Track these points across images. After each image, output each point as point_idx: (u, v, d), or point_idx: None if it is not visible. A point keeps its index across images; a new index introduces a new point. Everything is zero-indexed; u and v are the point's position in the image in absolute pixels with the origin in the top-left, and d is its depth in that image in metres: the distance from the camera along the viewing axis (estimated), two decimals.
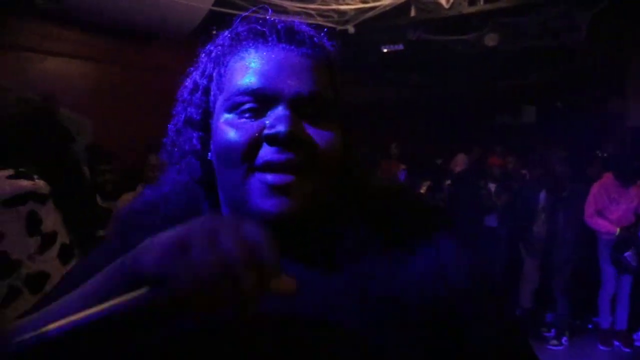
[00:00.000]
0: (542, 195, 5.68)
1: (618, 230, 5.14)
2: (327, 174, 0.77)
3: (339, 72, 0.83)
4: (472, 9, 6.22)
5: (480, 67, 7.83)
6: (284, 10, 5.54)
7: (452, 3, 6.24)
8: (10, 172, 1.82)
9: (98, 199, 3.29)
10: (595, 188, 5.43)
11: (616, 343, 5.33)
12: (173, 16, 6.46)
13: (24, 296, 1.77)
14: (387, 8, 6.28)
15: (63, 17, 6.37)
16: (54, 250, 1.85)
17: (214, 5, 6.15)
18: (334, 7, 5.75)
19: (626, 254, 4.98)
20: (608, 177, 5.44)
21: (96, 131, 6.63)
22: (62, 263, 1.86)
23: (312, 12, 5.71)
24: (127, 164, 5.78)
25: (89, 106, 6.76)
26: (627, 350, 5.26)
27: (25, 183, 1.78)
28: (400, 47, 6.68)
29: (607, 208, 5.30)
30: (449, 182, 6.68)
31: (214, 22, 6.68)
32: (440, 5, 6.35)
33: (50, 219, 1.84)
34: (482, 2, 6.25)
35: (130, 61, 7.17)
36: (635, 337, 5.38)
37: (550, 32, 6.40)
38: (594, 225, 5.33)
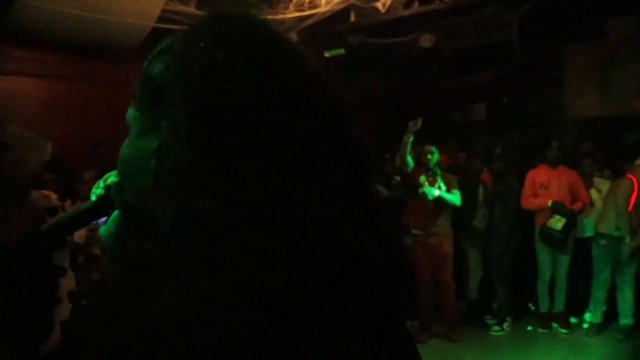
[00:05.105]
0: (481, 190, 5.91)
1: (550, 202, 5.41)
2: None
3: None
4: (407, 12, 6.45)
5: (424, 67, 8.09)
6: None
7: (388, 7, 6.46)
8: None
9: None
10: (528, 176, 5.70)
11: (554, 325, 5.57)
12: (119, 32, 6.59)
13: None
14: (326, 15, 6.48)
15: (7, 35, 6.45)
16: None
17: (157, 22, 6.31)
18: (271, 17, 5.93)
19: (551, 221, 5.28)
20: (540, 166, 5.72)
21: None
22: None
23: None
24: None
25: (40, 122, 6.84)
26: (564, 330, 5.51)
27: None
28: (342, 51, 6.89)
29: (538, 194, 5.56)
30: (398, 177, 6.83)
31: (158, 37, 6.87)
32: (377, 9, 6.57)
33: None
34: (416, 5, 6.47)
35: (79, 76, 7.28)
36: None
37: (483, 32, 6.66)
38: (529, 205, 5.58)
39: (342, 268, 0.56)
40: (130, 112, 0.69)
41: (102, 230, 0.79)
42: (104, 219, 0.82)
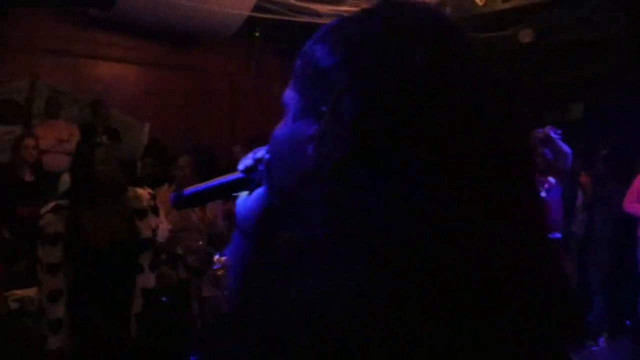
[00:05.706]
0: (580, 194, 5.60)
1: None
2: None
3: None
4: (506, 6, 6.21)
5: (521, 63, 7.74)
6: (317, 14, 5.71)
7: (487, 0, 6.24)
8: None
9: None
10: (638, 179, 5.32)
11: None
12: (215, 21, 6.75)
13: None
14: None
15: (113, 24, 6.77)
16: None
17: (252, 10, 6.41)
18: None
19: None
20: None
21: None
22: None
23: (344, 14, 5.83)
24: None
25: (138, 106, 7.15)
26: None
27: None
28: None
29: None
30: None
31: (252, 27, 6.98)
32: (474, 2, 6.36)
33: None
34: None
35: (176, 64, 7.53)
36: None
37: (587, 26, 6.29)
38: (631, 209, 5.21)
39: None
40: (288, 93, 0.66)
41: (241, 203, 0.77)
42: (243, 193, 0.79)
